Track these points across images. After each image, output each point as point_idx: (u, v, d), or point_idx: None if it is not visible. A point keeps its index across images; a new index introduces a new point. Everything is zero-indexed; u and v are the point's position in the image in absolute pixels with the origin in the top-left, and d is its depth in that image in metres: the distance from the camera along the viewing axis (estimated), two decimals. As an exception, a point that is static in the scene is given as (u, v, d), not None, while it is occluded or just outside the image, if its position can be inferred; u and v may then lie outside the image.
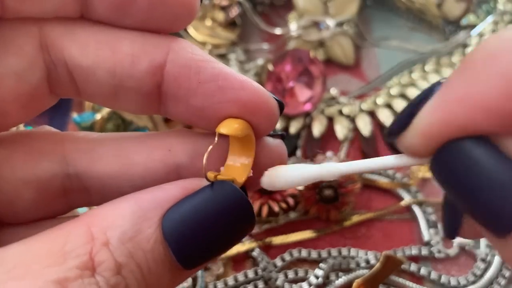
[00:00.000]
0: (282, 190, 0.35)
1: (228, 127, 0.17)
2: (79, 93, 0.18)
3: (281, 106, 0.19)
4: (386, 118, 0.41)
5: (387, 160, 0.16)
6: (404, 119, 0.15)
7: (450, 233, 0.16)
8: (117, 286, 0.14)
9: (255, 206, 0.34)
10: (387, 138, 0.17)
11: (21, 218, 0.19)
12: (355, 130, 0.41)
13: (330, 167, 0.17)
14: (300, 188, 0.35)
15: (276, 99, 0.18)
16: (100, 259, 0.14)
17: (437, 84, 0.15)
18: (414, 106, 0.15)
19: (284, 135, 0.20)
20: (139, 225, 0.15)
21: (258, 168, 0.18)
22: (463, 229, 0.16)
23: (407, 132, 0.15)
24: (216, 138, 0.17)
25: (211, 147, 0.17)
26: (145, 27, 0.17)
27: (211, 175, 0.17)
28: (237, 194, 0.16)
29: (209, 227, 0.16)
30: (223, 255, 0.33)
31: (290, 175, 0.18)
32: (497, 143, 0.14)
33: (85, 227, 0.15)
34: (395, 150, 0.17)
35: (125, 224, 0.15)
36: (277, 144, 0.19)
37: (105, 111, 0.38)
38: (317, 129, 0.40)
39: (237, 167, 0.18)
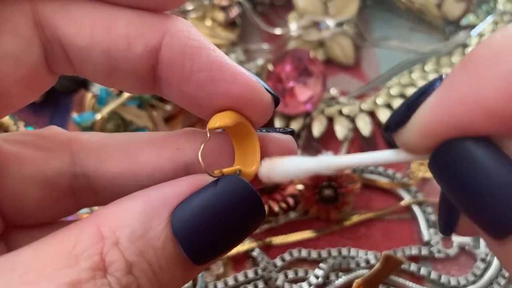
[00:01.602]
0: (281, 184, 0.35)
1: (213, 121, 0.17)
2: (76, 71, 0.18)
3: (276, 99, 0.18)
4: (386, 118, 0.41)
5: (385, 155, 0.16)
6: (403, 115, 0.15)
7: (446, 230, 0.16)
8: (129, 286, 0.14)
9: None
10: (385, 132, 0.16)
11: (29, 219, 0.19)
12: (355, 130, 0.41)
13: (328, 161, 0.17)
14: (300, 187, 0.35)
15: (270, 92, 0.18)
16: (111, 259, 0.14)
17: (438, 79, 0.15)
18: (413, 102, 0.15)
19: (294, 132, 0.20)
20: (148, 223, 0.15)
21: None
22: (459, 226, 0.16)
23: (405, 129, 0.15)
24: (208, 134, 0.17)
25: (203, 145, 0.17)
26: (137, 4, 0.17)
27: (216, 171, 0.17)
28: (243, 185, 0.16)
29: (218, 221, 0.16)
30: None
31: (288, 168, 0.17)
32: (498, 143, 0.13)
33: (94, 227, 0.15)
34: (392, 145, 0.16)
35: (134, 222, 0.15)
36: (286, 139, 0.19)
37: (105, 111, 0.38)
38: (317, 129, 0.40)
39: (246, 162, 0.18)
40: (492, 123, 0.13)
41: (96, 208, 0.34)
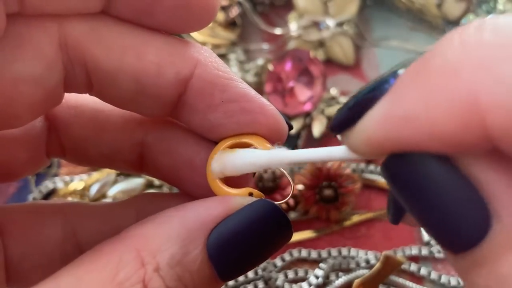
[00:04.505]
0: (281, 184, 0.35)
1: (270, 145, 0.18)
2: (92, 92, 0.18)
3: (290, 128, 0.20)
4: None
5: (337, 152, 0.16)
6: (349, 117, 0.14)
7: (394, 220, 0.16)
8: None
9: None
10: (330, 131, 0.15)
11: (13, 177, 0.20)
12: (355, 130, 0.41)
13: (279, 155, 0.17)
14: (300, 187, 0.35)
15: (286, 122, 0.19)
16: (153, 287, 0.14)
17: (392, 76, 0.13)
18: (361, 102, 0.14)
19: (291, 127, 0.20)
20: (186, 247, 0.15)
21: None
22: (407, 217, 0.16)
23: (352, 133, 0.14)
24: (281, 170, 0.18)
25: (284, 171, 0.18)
26: (164, 28, 0.17)
27: (247, 192, 0.18)
28: (275, 209, 0.17)
29: (251, 244, 0.16)
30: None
31: (238, 162, 0.18)
32: (453, 158, 0.12)
33: (135, 252, 0.15)
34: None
35: (172, 246, 0.15)
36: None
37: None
38: (317, 129, 0.40)
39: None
40: (443, 146, 0.12)
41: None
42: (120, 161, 0.21)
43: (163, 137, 0.20)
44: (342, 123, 0.14)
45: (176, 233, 0.15)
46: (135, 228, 0.16)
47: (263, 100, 0.18)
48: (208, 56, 0.18)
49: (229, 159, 0.18)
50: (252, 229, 0.16)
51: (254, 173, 0.19)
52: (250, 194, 0.18)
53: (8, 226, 0.19)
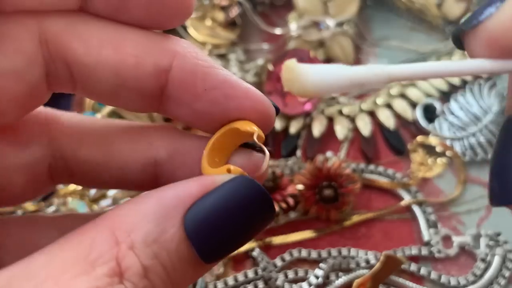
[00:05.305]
0: (281, 184, 0.35)
1: (257, 128, 0.18)
2: (76, 89, 0.18)
3: (277, 111, 0.19)
4: (386, 118, 0.41)
5: (458, 64, 0.14)
6: (476, 18, 0.14)
7: (500, 200, 0.15)
8: None
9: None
10: (455, 32, 0.15)
11: (11, 202, 0.20)
12: (355, 130, 0.41)
13: (378, 70, 0.15)
14: (300, 187, 0.35)
15: (273, 105, 0.19)
16: (127, 264, 0.14)
17: None
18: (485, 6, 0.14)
19: (271, 152, 0.20)
20: (163, 225, 0.15)
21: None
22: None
23: (472, 35, 0.14)
24: (255, 138, 0.18)
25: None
26: (141, 23, 0.17)
27: (225, 169, 0.17)
28: (254, 186, 0.16)
29: (230, 222, 0.16)
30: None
31: (326, 76, 0.15)
32: None
33: (109, 231, 0.15)
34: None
35: (148, 224, 0.15)
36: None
37: (105, 111, 0.38)
38: (317, 129, 0.40)
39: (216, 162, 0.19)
40: None
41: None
42: (132, 182, 0.20)
43: (176, 153, 0.19)
44: (471, 24, 0.15)
45: (152, 211, 0.15)
46: (112, 210, 0.16)
47: (247, 84, 0.18)
48: (187, 47, 0.18)
49: (312, 74, 0.15)
50: (229, 206, 0.16)
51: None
52: (229, 171, 0.17)
53: (3, 239, 0.19)
